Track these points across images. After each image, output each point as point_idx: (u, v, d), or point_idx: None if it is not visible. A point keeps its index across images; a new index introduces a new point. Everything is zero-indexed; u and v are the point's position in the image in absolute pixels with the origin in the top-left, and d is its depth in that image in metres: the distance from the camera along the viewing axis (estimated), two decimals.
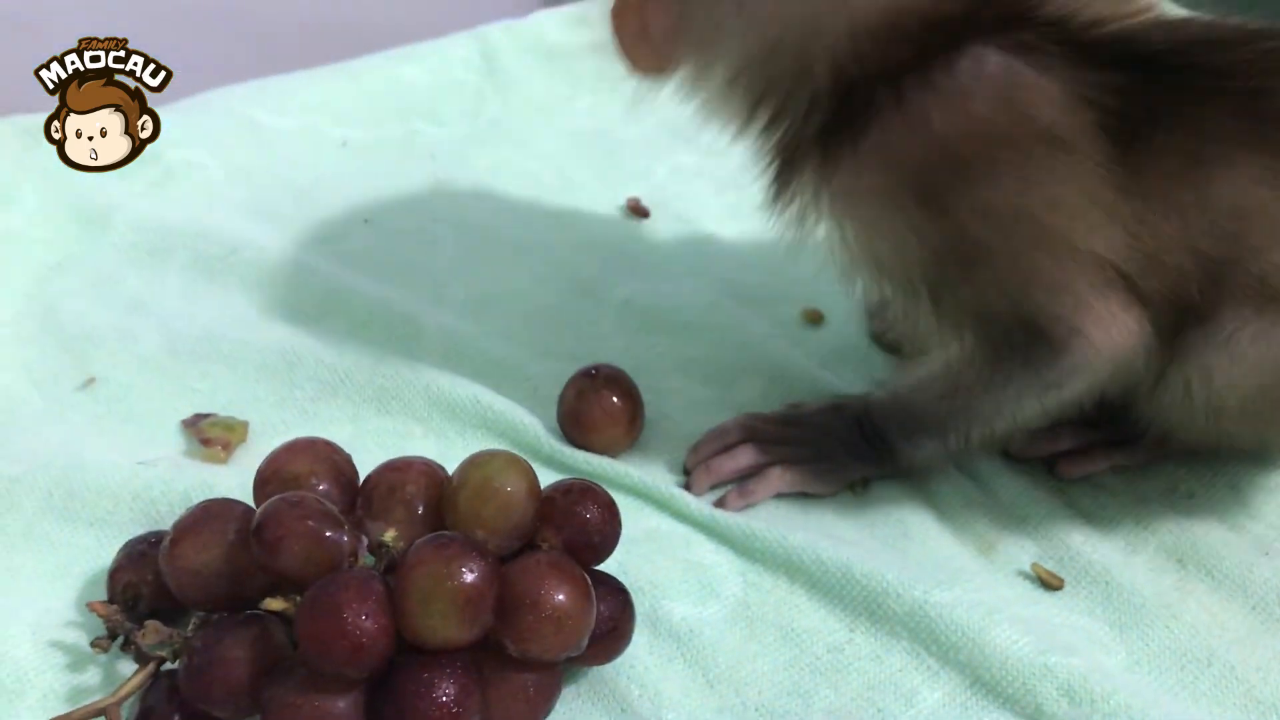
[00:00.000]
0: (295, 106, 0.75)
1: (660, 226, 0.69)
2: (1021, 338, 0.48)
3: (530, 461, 0.53)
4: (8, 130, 0.68)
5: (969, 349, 0.49)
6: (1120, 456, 0.55)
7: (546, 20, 0.82)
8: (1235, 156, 0.45)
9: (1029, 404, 0.49)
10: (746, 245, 0.67)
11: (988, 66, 0.45)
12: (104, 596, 0.46)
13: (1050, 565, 0.50)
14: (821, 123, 0.47)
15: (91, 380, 0.57)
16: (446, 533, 0.41)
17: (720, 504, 0.51)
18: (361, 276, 0.63)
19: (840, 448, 0.53)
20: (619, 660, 0.45)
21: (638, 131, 0.76)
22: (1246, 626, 0.48)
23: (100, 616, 0.44)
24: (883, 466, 0.53)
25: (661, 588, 0.48)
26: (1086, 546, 0.51)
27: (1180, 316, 0.47)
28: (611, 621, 0.43)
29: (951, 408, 0.50)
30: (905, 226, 0.46)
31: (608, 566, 0.46)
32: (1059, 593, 0.49)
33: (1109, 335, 0.47)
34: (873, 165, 0.46)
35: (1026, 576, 0.50)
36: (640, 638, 0.46)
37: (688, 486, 0.52)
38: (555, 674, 0.43)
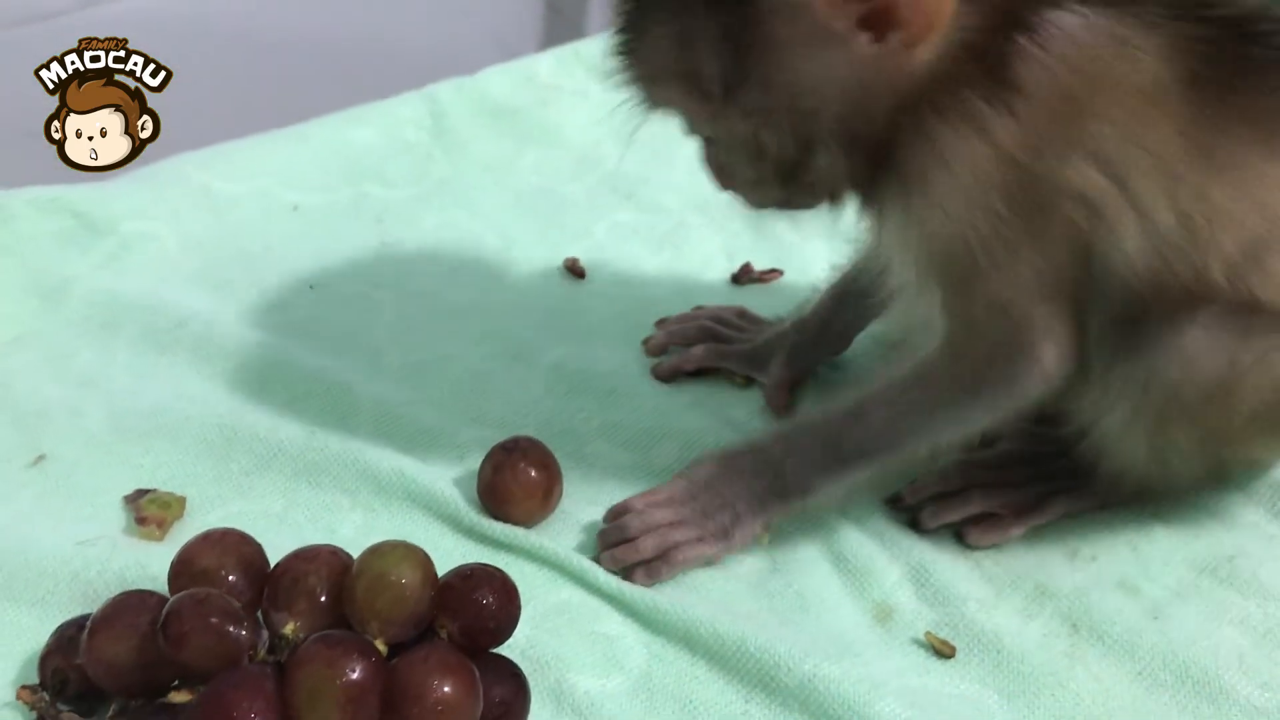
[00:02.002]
0: (248, 172, 0.77)
1: (595, 287, 0.71)
2: (1004, 344, 0.50)
3: (449, 533, 0.56)
4: None
5: (947, 352, 0.51)
6: (1032, 519, 0.56)
7: (495, 78, 0.84)
8: None
9: (955, 427, 0.52)
10: (677, 305, 0.69)
11: (1091, 21, 0.45)
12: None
13: (945, 633, 0.52)
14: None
15: (41, 458, 0.60)
16: (333, 631, 0.44)
17: (628, 577, 0.53)
18: (302, 346, 0.65)
19: (741, 509, 0.54)
20: None
21: (581, 188, 0.78)
22: (1131, 694, 0.50)
23: (27, 704, 0.47)
24: (788, 502, 0.54)
25: (567, 661, 0.51)
26: (982, 613, 0.53)
27: (1144, 311, 0.49)
28: (504, 706, 0.46)
29: (878, 434, 0.52)
30: (982, 197, 0.46)
31: (515, 639, 0.49)
32: (951, 661, 0.51)
33: (1050, 365, 0.50)
34: (991, 128, 0.45)
35: (920, 644, 0.52)
36: (544, 710, 0.48)
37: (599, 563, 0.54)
38: None
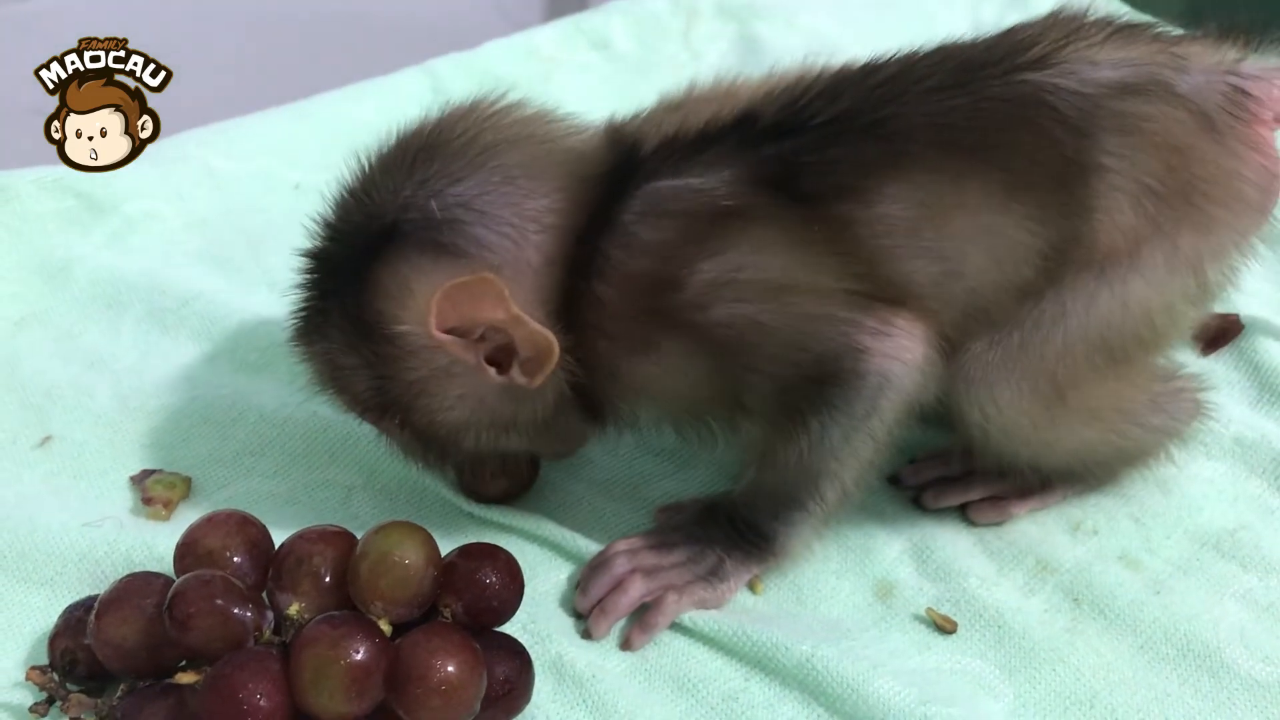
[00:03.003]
0: (249, 150, 0.77)
1: None
2: (819, 389, 0.49)
3: (452, 512, 0.56)
4: None
5: (781, 425, 0.50)
6: (1035, 502, 0.56)
7: (495, 51, 0.84)
8: (884, 182, 0.47)
9: (859, 442, 0.49)
10: None
11: (657, 192, 0.48)
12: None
13: (946, 608, 0.52)
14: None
15: (48, 439, 0.60)
16: (338, 612, 0.44)
17: (627, 645, 0.51)
18: None
19: (723, 555, 0.52)
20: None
21: None
22: (1132, 668, 0.50)
23: (36, 685, 0.47)
24: (766, 560, 0.53)
25: (569, 636, 0.51)
26: (983, 588, 0.53)
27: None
28: (508, 684, 0.46)
29: (795, 475, 0.50)
30: (677, 353, 0.49)
31: (518, 618, 0.49)
32: (952, 636, 0.51)
33: (894, 341, 0.48)
34: (616, 315, 0.48)
35: (921, 620, 0.52)
36: (545, 685, 0.49)
37: (587, 634, 0.51)
38: None
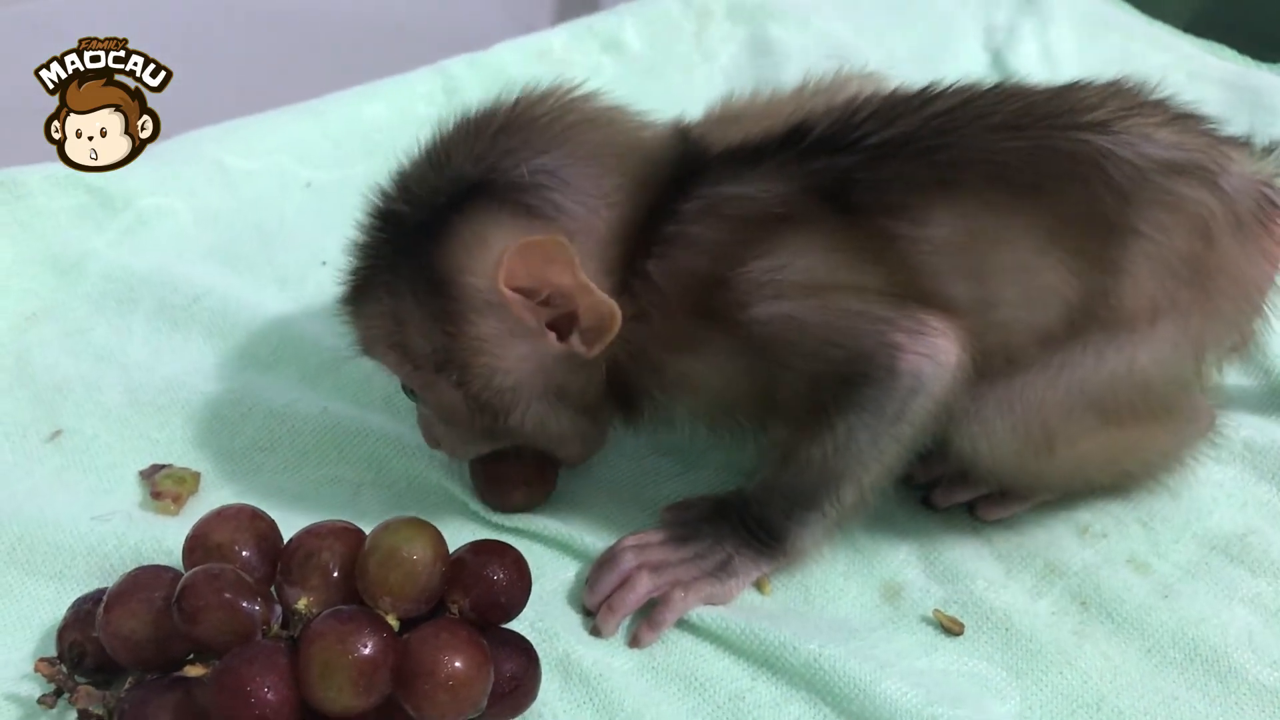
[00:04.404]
0: (262, 148, 0.77)
1: None
2: (850, 389, 0.49)
3: (460, 509, 0.56)
4: None
5: (808, 425, 0.50)
6: (1041, 495, 0.56)
7: (508, 52, 0.84)
8: (934, 204, 0.48)
9: (885, 445, 0.49)
10: None
11: (715, 196, 0.50)
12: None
13: (954, 610, 0.52)
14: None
15: (58, 433, 0.60)
16: (345, 607, 0.44)
17: (634, 643, 0.51)
18: (315, 322, 0.66)
19: (733, 551, 0.53)
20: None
21: None
22: (1139, 671, 0.50)
23: (45, 676, 0.47)
24: (776, 560, 0.53)
25: (576, 634, 0.51)
26: (990, 591, 0.53)
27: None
28: (515, 681, 0.46)
29: (816, 476, 0.50)
30: (717, 349, 0.49)
31: (525, 615, 0.49)
32: (960, 638, 0.51)
33: (928, 341, 0.48)
34: (665, 309, 0.49)
35: (928, 622, 0.52)
36: (552, 682, 0.49)
37: (595, 631, 0.52)
38: None
